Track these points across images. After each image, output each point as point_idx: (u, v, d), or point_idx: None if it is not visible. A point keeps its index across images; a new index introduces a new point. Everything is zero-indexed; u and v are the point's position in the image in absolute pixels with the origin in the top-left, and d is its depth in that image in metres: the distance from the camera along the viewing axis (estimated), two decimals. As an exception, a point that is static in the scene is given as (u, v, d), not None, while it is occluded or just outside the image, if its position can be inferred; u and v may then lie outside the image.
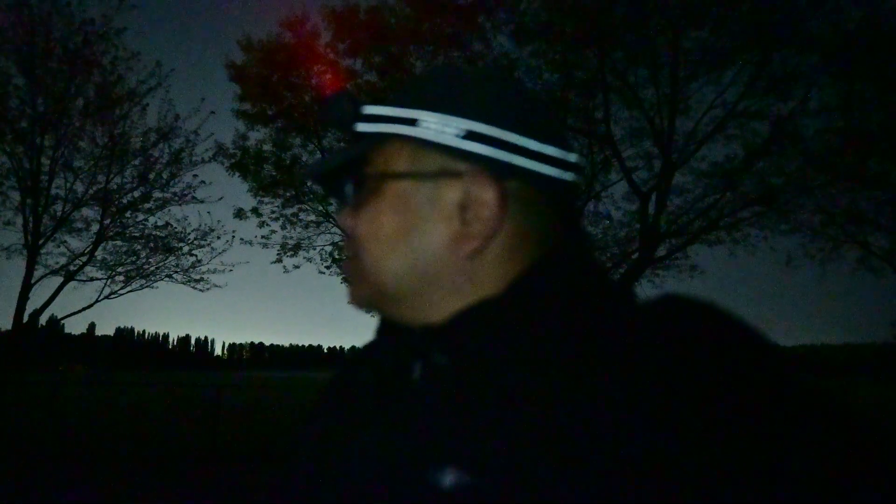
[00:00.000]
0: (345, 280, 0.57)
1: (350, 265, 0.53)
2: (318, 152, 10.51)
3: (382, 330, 0.56)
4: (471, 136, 0.48)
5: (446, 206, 0.49)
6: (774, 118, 8.42)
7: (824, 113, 8.17)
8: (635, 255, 9.52)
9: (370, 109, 0.52)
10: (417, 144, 0.49)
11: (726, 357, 0.39)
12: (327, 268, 11.21)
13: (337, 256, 11.08)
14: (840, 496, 0.33)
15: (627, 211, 10.28)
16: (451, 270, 0.49)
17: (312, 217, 10.98)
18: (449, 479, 0.41)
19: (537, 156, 0.49)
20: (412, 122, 0.49)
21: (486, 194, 0.48)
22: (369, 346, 0.57)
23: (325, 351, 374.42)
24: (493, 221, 0.48)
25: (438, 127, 0.48)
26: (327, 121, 0.54)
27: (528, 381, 0.42)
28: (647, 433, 0.36)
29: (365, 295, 0.53)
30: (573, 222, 0.54)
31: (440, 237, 0.49)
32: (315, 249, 11.20)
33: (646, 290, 10.21)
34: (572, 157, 0.51)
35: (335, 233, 11.04)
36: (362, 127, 0.52)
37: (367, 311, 0.54)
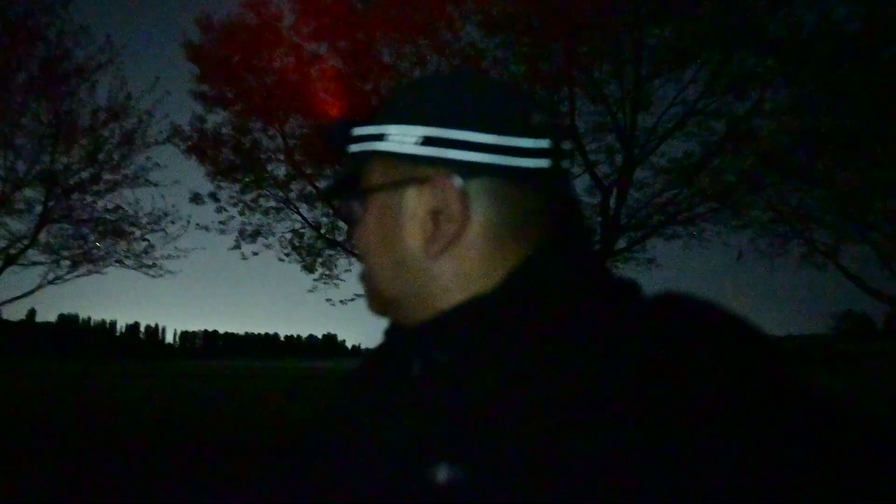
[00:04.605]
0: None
1: (362, 276, 0.57)
2: (278, 137, 10.25)
3: (389, 330, 0.58)
4: (428, 141, 0.50)
5: (418, 211, 0.51)
6: (731, 117, 8.70)
7: (777, 114, 8.51)
8: (596, 248, 9.71)
9: (357, 131, 0.55)
10: (388, 157, 0.52)
11: (727, 356, 0.39)
12: (287, 255, 10.98)
13: (297, 244, 10.87)
14: (835, 492, 0.33)
15: (589, 204, 10.47)
16: (436, 271, 0.51)
17: (272, 203, 10.71)
18: (443, 474, 0.41)
19: (500, 149, 0.49)
20: (381, 137, 0.52)
21: (450, 195, 0.49)
22: (379, 346, 0.59)
23: (283, 339, 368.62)
24: (460, 220, 0.49)
25: (400, 137, 0.51)
26: (330, 146, 0.58)
27: (524, 377, 0.42)
28: (645, 431, 0.36)
29: (373, 301, 0.57)
30: (566, 210, 0.53)
31: (417, 241, 0.51)
32: (275, 236, 10.94)
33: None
34: (544, 143, 0.50)
35: (296, 220, 10.83)
36: (353, 148, 0.55)
37: (381, 316, 0.57)
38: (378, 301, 0.56)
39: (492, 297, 0.48)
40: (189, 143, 10.14)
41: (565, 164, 0.53)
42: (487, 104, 0.51)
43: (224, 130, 10.22)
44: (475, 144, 0.49)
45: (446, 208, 0.50)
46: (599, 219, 9.45)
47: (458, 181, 0.49)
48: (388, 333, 0.58)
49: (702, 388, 0.37)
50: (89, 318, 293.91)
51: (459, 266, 0.50)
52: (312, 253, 10.89)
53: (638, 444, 0.36)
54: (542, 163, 0.50)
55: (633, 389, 0.38)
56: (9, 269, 9.46)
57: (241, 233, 10.72)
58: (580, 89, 9.15)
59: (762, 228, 9.62)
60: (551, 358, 0.43)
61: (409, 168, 0.51)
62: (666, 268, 11.21)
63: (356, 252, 0.58)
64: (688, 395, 0.37)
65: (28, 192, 9.62)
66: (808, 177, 8.32)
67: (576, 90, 9.02)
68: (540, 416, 0.40)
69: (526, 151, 0.50)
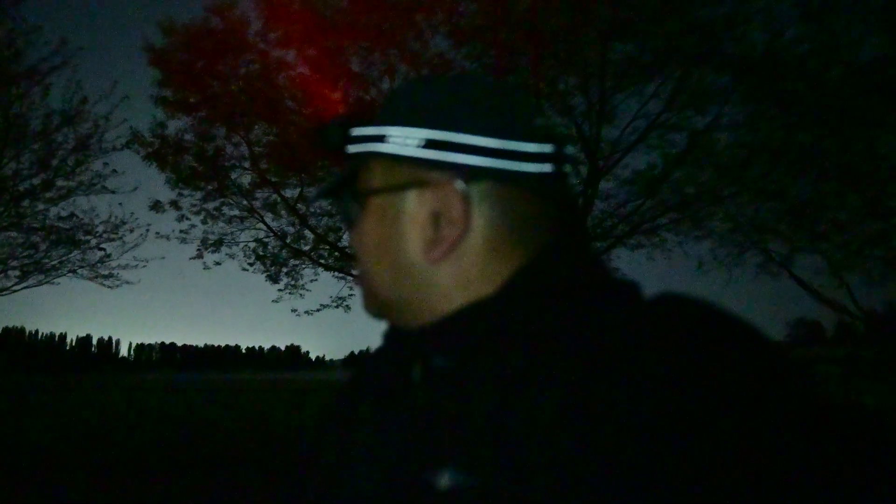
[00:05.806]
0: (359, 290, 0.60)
1: (358, 277, 0.58)
2: (243, 145, 10.05)
3: (388, 334, 0.57)
4: (430, 144, 0.49)
5: (419, 214, 0.50)
6: (691, 131, 9.00)
7: (734, 128, 8.85)
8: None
9: (356, 131, 0.54)
10: (389, 159, 0.51)
11: (728, 358, 0.39)
12: (251, 265, 10.74)
13: (262, 254, 10.64)
14: (840, 494, 0.34)
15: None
16: (436, 275, 0.50)
17: (236, 212, 10.48)
18: (445, 479, 0.41)
19: (503, 153, 0.48)
20: (381, 139, 0.52)
21: (452, 199, 0.49)
22: (378, 350, 0.58)
23: (244, 351, 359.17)
24: (461, 224, 0.49)
25: (402, 140, 0.50)
26: (326, 146, 0.56)
27: (526, 381, 0.42)
28: (646, 435, 0.36)
29: (369, 304, 0.56)
30: (566, 214, 0.53)
31: (417, 245, 0.51)
32: (238, 245, 10.70)
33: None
34: (547, 148, 0.50)
35: (260, 228, 10.62)
36: (351, 148, 0.55)
37: (377, 319, 0.57)
38: (375, 304, 0.55)
39: (492, 301, 0.48)
40: (149, 149, 9.83)
41: (567, 168, 0.52)
42: (490, 107, 0.50)
43: (186, 137, 9.97)
44: (478, 148, 0.48)
45: (447, 212, 0.49)
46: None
47: (459, 185, 0.49)
48: (387, 337, 0.57)
49: (706, 388, 0.37)
50: (37, 331, 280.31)
51: (460, 270, 0.50)
52: (277, 263, 10.68)
53: (643, 447, 0.36)
54: (545, 167, 0.50)
55: (637, 392, 0.38)
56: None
57: (204, 242, 10.45)
58: (546, 101, 9.31)
59: (721, 239, 9.95)
60: (553, 362, 0.42)
61: (411, 171, 0.50)
62: (629, 276, 11.43)
63: (353, 253, 0.58)
64: (692, 395, 0.37)
65: (-27, 199, 9.16)
66: (763, 189, 8.66)
67: (542, 102, 9.17)
68: (542, 420, 0.39)
69: (529, 156, 0.49)
